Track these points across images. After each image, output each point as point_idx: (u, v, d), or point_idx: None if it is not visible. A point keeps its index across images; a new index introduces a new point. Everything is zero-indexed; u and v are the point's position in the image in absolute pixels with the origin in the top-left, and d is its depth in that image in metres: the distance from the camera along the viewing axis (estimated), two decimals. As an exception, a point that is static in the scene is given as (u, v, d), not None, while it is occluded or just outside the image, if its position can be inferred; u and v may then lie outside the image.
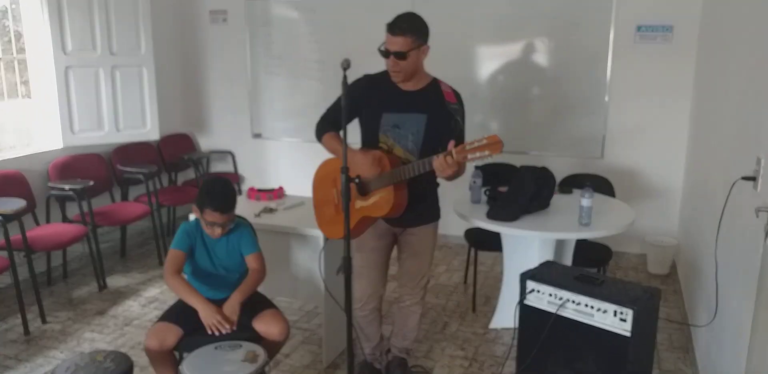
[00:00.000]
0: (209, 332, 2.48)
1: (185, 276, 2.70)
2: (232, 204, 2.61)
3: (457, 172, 2.36)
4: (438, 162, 2.29)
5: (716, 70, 3.40)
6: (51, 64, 4.31)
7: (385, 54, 2.48)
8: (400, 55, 2.44)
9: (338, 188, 2.63)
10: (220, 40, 5.45)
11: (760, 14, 2.43)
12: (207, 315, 2.49)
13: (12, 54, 4.38)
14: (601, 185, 3.83)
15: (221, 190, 2.61)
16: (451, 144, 2.28)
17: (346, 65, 2.18)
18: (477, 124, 4.69)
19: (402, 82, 2.57)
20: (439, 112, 2.56)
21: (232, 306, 2.56)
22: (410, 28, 2.43)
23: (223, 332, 2.48)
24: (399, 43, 2.43)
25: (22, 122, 4.51)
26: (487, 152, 2.17)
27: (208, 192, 2.59)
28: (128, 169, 4.60)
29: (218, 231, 2.58)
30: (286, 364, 3.16)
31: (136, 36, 4.72)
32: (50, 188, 4.15)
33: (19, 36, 4.40)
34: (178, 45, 5.52)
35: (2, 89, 4.35)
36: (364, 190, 2.58)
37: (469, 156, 2.21)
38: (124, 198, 4.82)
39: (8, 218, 3.48)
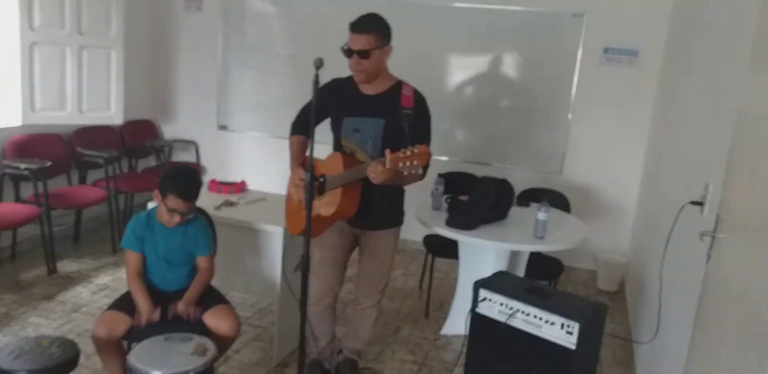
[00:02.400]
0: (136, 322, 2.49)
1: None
2: (196, 193, 2.61)
3: (391, 180, 2.37)
4: (371, 168, 2.33)
5: (674, 97, 3.53)
6: (16, 39, 4.19)
7: (348, 53, 2.50)
8: (363, 54, 2.46)
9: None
10: (192, 28, 5.40)
11: (717, 46, 2.55)
12: (143, 310, 2.51)
13: (-25, 26, 4.25)
14: (558, 200, 3.93)
15: (187, 178, 2.61)
16: (387, 151, 2.29)
17: (319, 64, 2.19)
18: (443, 132, 4.75)
19: (364, 83, 2.59)
20: (396, 117, 2.57)
21: (186, 303, 2.59)
22: (374, 26, 2.46)
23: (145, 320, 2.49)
24: (362, 42, 2.45)
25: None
26: (415, 162, 2.21)
27: (174, 178, 2.59)
28: (88, 152, 4.51)
29: (177, 219, 2.57)
30: (235, 360, 3.15)
31: (106, 17, 4.64)
32: (5, 166, 4.05)
33: (-17, 7, 4.27)
34: (150, 30, 5.44)
35: (-38, 61, 4.22)
36: (320, 190, 2.61)
37: (400, 164, 2.24)
38: (82, 181, 4.73)
39: (-42, 194, 3.40)
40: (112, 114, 4.81)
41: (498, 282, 2.68)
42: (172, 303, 2.59)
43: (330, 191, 2.58)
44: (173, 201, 2.53)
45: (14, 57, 4.23)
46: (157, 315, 2.54)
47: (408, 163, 2.22)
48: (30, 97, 4.33)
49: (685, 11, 3.70)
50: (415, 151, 2.21)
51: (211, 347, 2.38)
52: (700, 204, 2.24)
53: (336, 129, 2.68)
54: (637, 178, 4.56)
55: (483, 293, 2.63)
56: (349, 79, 2.64)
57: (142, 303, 2.54)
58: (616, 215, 4.66)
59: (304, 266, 2.30)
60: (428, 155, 2.21)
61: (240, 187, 3.56)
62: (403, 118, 2.54)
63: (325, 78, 2.41)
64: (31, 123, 4.36)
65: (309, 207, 2.28)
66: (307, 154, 2.35)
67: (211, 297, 2.70)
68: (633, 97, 4.45)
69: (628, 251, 4.62)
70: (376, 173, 2.32)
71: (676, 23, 3.98)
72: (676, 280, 2.56)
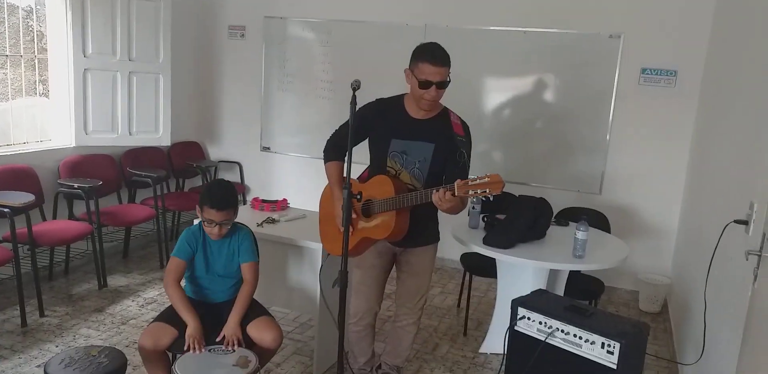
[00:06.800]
0: (185, 347, 2.49)
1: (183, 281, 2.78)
2: (228, 202, 2.67)
3: (456, 207, 2.42)
4: (437, 196, 2.36)
5: (716, 115, 3.49)
6: (70, 65, 4.42)
7: (427, 84, 2.52)
8: (444, 85, 2.53)
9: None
10: (236, 54, 5.58)
11: (760, 63, 2.53)
12: (192, 333, 2.52)
13: (33, 53, 4.49)
14: (598, 220, 3.89)
15: (219, 189, 2.72)
16: (458, 181, 2.32)
17: (356, 86, 2.27)
18: (481, 153, 4.78)
19: (430, 110, 2.64)
20: (446, 143, 2.62)
21: (233, 328, 2.61)
22: (448, 58, 2.53)
23: (198, 352, 2.48)
24: (443, 73, 2.50)
25: (37, 119, 4.59)
26: (487, 190, 2.24)
27: (208, 190, 2.72)
28: (137, 172, 4.68)
29: (216, 230, 2.64)
30: (276, 373, 3.19)
31: (155, 44, 4.85)
32: (59, 185, 4.21)
33: (41, 36, 4.51)
34: (196, 56, 5.65)
35: (21, 86, 4.44)
36: (367, 212, 2.65)
37: (470, 192, 2.27)
38: (131, 200, 4.88)
39: (15, 211, 3.54)
40: (160, 136, 4.99)
41: (537, 301, 2.66)
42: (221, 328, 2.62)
43: (380, 214, 2.61)
44: (207, 212, 2.63)
45: (69, 82, 4.45)
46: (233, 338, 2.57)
47: (479, 191, 2.25)
48: (83, 120, 4.53)
49: (726, 29, 3.68)
50: (487, 180, 2.25)
51: (253, 359, 2.42)
52: (745, 223, 2.20)
53: (380, 149, 2.70)
54: (679, 198, 4.49)
55: (522, 311, 2.61)
56: (395, 100, 2.69)
57: (190, 319, 2.57)
58: (658, 235, 4.59)
59: (342, 282, 2.34)
60: (502, 184, 2.23)
61: (281, 205, 3.64)
62: (459, 144, 2.61)
63: (362, 97, 2.47)
64: (83, 144, 4.56)
65: (347, 224, 2.33)
66: (345, 174, 2.40)
67: (253, 310, 2.74)
68: (673, 117, 4.41)
69: (670, 271, 4.53)
70: (443, 200, 2.35)
71: (717, 40, 3.96)
72: (721, 300, 2.51)
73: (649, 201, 4.57)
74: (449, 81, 2.54)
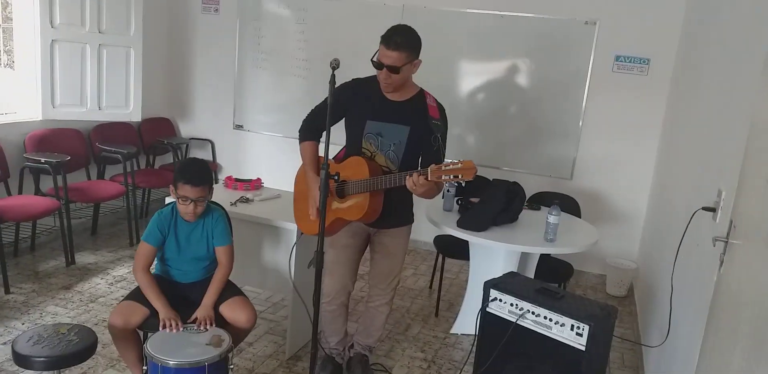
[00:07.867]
0: (161, 327, 2.47)
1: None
2: (204, 179, 2.61)
3: (431, 191, 2.44)
4: (411, 180, 2.37)
5: (686, 104, 3.55)
6: (37, 36, 4.26)
7: (379, 65, 2.50)
8: (394, 70, 2.48)
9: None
10: (210, 30, 5.46)
11: (728, 55, 2.57)
12: (168, 316, 2.50)
13: (-2, 22, 4.34)
14: (569, 205, 3.94)
15: (194, 166, 2.67)
16: (433, 165, 2.33)
17: (335, 65, 2.23)
18: (454, 137, 4.78)
19: (391, 93, 2.62)
20: (422, 126, 2.61)
21: (207, 309, 2.58)
22: (406, 43, 2.46)
23: (175, 331, 2.46)
24: (394, 58, 2.45)
25: (2, 91, 4.44)
26: (460, 175, 2.25)
27: (182, 167, 2.67)
28: (107, 147, 4.57)
29: (191, 208, 2.57)
30: (248, 352, 3.19)
31: (126, 16, 4.71)
32: (26, 159, 4.10)
33: (6, 4, 4.35)
34: (168, 30, 5.52)
35: (-15, 56, 4.30)
36: (341, 193, 2.64)
37: (443, 177, 2.29)
38: (100, 176, 4.78)
39: (-20, 186, 3.46)
40: (131, 111, 4.87)
41: (509, 283, 2.69)
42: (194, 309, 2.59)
43: (354, 196, 2.61)
44: (182, 189, 2.55)
45: (35, 53, 4.29)
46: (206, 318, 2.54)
47: (451, 176, 2.26)
48: (50, 92, 4.39)
49: (697, 20, 3.72)
50: (460, 165, 2.25)
51: (226, 338, 2.41)
52: (712, 210, 2.24)
53: (355, 131, 2.69)
54: (648, 184, 4.58)
55: (493, 293, 2.65)
56: (371, 80, 2.66)
57: (160, 305, 2.52)
58: (626, 220, 4.68)
59: (318, 262, 2.34)
60: (475, 170, 2.24)
61: (255, 184, 3.60)
62: (434, 128, 2.59)
63: (339, 76, 2.43)
64: (50, 118, 4.42)
65: (323, 204, 2.33)
66: (322, 153, 2.39)
67: (227, 289, 2.72)
68: (644, 105, 4.47)
69: (637, 256, 4.63)
70: (417, 185, 2.36)
71: (689, 31, 4.01)
72: (687, 285, 2.56)
73: (618, 188, 4.65)
74: (401, 67, 2.47)
